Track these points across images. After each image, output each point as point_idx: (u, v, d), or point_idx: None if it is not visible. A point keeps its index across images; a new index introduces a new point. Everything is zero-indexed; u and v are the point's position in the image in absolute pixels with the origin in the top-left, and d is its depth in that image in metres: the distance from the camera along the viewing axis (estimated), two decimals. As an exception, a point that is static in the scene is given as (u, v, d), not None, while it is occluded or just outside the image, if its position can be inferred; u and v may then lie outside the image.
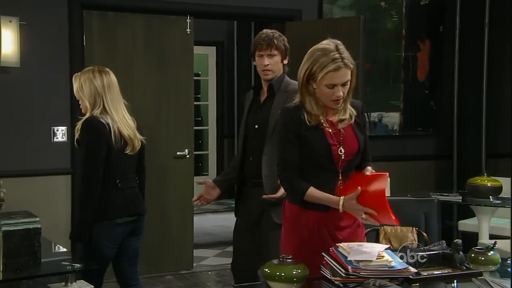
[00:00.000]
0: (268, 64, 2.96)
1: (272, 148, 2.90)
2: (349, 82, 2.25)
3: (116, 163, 2.89)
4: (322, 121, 2.28)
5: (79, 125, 2.91)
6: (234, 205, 3.20)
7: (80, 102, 2.98)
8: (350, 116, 2.32)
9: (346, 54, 2.24)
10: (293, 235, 2.34)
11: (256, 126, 3.03)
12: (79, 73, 3.01)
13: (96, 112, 2.89)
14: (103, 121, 2.87)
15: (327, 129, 2.29)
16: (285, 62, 3.02)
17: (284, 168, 2.32)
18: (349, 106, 2.33)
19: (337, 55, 2.21)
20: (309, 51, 2.29)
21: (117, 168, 2.90)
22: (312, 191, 2.25)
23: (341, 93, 2.23)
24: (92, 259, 2.78)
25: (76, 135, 2.93)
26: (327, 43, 2.27)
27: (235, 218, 3.20)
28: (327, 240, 2.23)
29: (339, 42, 2.27)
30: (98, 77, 2.94)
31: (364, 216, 2.15)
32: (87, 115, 2.90)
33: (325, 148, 2.26)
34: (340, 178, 2.29)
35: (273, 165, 2.85)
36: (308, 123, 2.27)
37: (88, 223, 2.83)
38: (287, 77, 3.04)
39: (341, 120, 2.31)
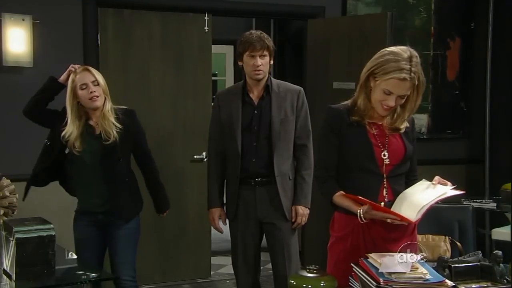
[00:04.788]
0: (261, 65, 3.08)
1: (281, 148, 3.11)
2: (406, 96, 2.24)
3: None
4: (366, 120, 2.30)
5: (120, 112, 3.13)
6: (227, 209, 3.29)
7: (100, 96, 3.08)
8: (404, 129, 2.35)
9: (417, 68, 2.20)
10: (338, 246, 2.36)
11: (255, 128, 3.14)
12: (93, 69, 3.17)
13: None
14: None
15: (370, 130, 2.31)
16: (271, 62, 3.19)
17: (321, 168, 2.40)
18: (406, 121, 2.34)
19: (407, 66, 2.18)
20: (381, 50, 2.27)
21: None
22: (337, 197, 2.31)
23: (393, 103, 2.23)
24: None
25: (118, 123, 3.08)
26: (403, 50, 2.23)
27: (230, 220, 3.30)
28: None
29: (416, 54, 2.23)
30: None
31: (389, 220, 2.18)
32: (111, 105, 3.11)
33: (366, 146, 2.28)
34: (385, 183, 2.30)
35: (283, 165, 3.12)
36: (351, 121, 2.29)
37: None
38: (272, 78, 3.23)
39: (394, 129, 2.32)
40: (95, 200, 3.09)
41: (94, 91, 3.02)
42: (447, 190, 2.21)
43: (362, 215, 2.20)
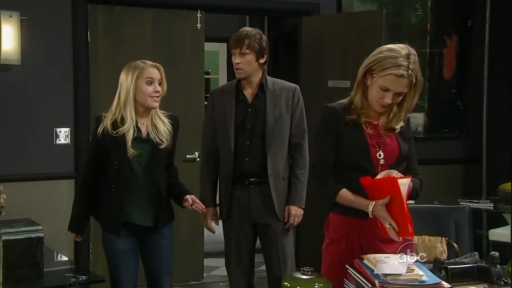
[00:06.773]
0: (238, 63, 3.08)
1: (275, 147, 3.10)
2: (403, 94, 2.25)
3: None
4: (362, 118, 2.30)
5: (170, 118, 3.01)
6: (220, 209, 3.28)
7: (159, 97, 2.96)
8: (399, 129, 2.35)
9: (414, 66, 2.20)
10: (333, 247, 2.35)
11: (249, 126, 3.14)
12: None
13: None
14: None
15: (366, 130, 2.31)
16: (262, 61, 3.12)
17: (318, 167, 2.37)
18: (402, 120, 2.35)
19: (404, 63, 2.18)
20: (379, 47, 2.28)
21: None
22: (344, 193, 2.29)
23: (390, 101, 2.23)
24: None
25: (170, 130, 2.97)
26: (401, 47, 2.23)
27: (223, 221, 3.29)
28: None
29: (414, 52, 2.24)
30: None
31: (387, 226, 2.16)
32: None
33: (362, 146, 2.28)
34: None
35: (277, 164, 3.12)
36: (347, 120, 2.29)
37: None
38: (267, 76, 3.20)
39: (390, 129, 2.32)
40: (140, 208, 2.92)
41: (159, 90, 2.91)
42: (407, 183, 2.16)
43: (372, 208, 2.17)
